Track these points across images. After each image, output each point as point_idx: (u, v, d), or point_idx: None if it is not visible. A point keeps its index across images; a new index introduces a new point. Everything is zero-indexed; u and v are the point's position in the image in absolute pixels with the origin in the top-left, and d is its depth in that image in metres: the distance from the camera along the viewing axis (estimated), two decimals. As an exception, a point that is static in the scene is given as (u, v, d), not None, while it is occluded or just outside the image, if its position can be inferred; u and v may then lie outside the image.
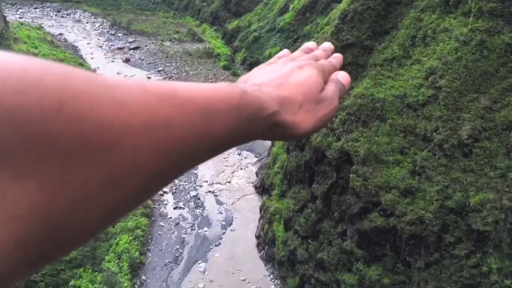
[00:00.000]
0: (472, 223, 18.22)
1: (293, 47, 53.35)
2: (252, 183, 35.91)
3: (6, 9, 77.22)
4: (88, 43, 64.98)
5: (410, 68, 22.51)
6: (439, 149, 19.77)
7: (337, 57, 1.05)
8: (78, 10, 76.74)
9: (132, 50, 62.43)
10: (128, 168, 0.47)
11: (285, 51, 1.07)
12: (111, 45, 64.42)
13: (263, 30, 58.22)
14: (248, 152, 40.00)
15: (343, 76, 0.96)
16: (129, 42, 64.82)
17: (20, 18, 74.05)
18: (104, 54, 61.10)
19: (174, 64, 57.67)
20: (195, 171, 37.31)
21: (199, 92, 0.58)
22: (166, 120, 0.51)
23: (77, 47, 63.87)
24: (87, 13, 75.90)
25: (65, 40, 65.99)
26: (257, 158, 38.99)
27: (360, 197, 21.69)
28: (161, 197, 34.56)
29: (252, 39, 57.65)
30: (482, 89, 19.53)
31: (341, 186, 23.49)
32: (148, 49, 62.51)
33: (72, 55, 55.00)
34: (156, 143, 0.49)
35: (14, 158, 0.39)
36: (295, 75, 0.86)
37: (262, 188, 34.13)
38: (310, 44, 1.11)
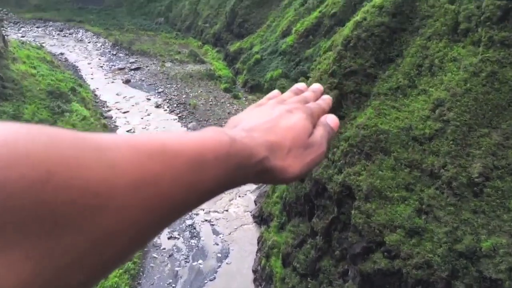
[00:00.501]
0: (484, 270, 16.74)
1: (295, 70, 52.41)
2: (251, 212, 34.50)
3: (8, 28, 77.39)
4: (89, 63, 64.51)
5: (416, 98, 21.33)
6: (448, 187, 18.42)
7: (326, 99, 1.07)
8: (81, 30, 76.64)
9: (132, 71, 61.83)
10: (114, 229, 0.47)
11: (275, 92, 1.10)
12: (112, 65, 63.89)
13: (265, 52, 57.55)
14: (247, 179, 38.66)
15: (332, 120, 0.98)
16: (130, 63, 64.29)
17: (22, 37, 73.95)
18: (105, 75, 60.49)
19: (174, 86, 56.88)
20: (191, 198, 35.93)
21: (188, 144, 0.59)
22: (155, 177, 0.51)
23: (77, 67, 63.36)
24: (89, 32, 75.75)
25: (66, 59, 65.57)
26: (256, 186, 37.67)
27: (362, 236, 20.26)
28: (155, 225, 33.10)
29: (254, 62, 56.93)
30: (494, 123, 18.27)
31: (342, 222, 22.08)
32: (149, 70, 61.88)
33: (71, 76, 54.33)
34: (143, 201, 0.50)
35: (1, 231, 0.39)
36: (284, 119, 0.88)
37: (261, 218, 32.71)
38: (300, 85, 1.14)
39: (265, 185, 37.10)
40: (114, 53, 68.01)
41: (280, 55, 55.28)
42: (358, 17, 25.79)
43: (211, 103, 53.00)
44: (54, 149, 0.43)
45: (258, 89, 54.06)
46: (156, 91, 55.80)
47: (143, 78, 59.38)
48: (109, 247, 0.47)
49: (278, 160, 0.78)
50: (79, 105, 46.79)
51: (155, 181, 0.51)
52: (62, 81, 50.39)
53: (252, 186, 37.81)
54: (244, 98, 54.00)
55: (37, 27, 78.09)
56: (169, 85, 57.12)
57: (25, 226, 0.40)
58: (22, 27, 77.95)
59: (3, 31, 76.00)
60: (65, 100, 46.16)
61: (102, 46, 70.51)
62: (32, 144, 0.42)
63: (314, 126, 0.93)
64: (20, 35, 74.59)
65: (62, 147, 0.44)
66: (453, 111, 19.27)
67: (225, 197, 36.15)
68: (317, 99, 1.07)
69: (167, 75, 59.73)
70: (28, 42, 68.46)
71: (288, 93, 1.10)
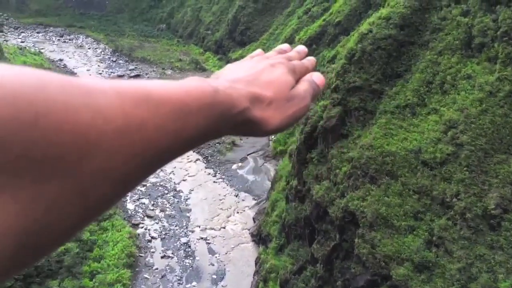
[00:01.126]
0: (502, 313, 15.06)
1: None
2: (249, 229, 32.85)
3: (8, 33, 76.41)
4: (88, 70, 63.26)
5: (426, 118, 19.74)
6: (461, 218, 16.77)
7: (310, 60, 1.08)
8: (81, 36, 75.53)
9: (132, 78, 60.24)
10: (101, 174, 0.48)
11: (259, 50, 1.11)
12: (111, 72, 62.62)
13: (268, 61, 56.13)
14: (246, 194, 37.07)
15: (317, 77, 0.99)
16: (130, 70, 63.04)
17: (22, 42, 72.93)
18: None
19: (174, 94, 55.46)
20: (187, 214, 34.40)
21: (173, 92, 0.60)
22: (140, 124, 0.53)
23: (76, 73, 62.04)
24: (89, 38, 74.63)
25: (65, 66, 64.34)
26: (256, 201, 36.05)
27: (367, 267, 18.61)
28: (149, 243, 31.59)
29: (255, 70, 55.49)
30: (512, 149, 16.64)
31: (345, 250, 20.44)
32: (148, 77, 60.49)
33: (68, 83, 53.12)
34: (129, 147, 0.51)
35: None
36: (266, 72, 0.90)
37: (259, 237, 31.08)
38: (284, 46, 1.15)
39: (265, 201, 35.49)
40: (114, 59, 66.78)
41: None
42: (363, 28, 24.27)
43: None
44: (42, 92, 0.43)
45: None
46: (155, 99, 54.36)
47: (142, 86, 58.00)
48: (94, 191, 0.48)
49: (259, 111, 0.79)
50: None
51: (140, 127, 0.52)
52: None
53: (251, 202, 36.20)
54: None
55: (37, 33, 77.06)
56: (169, 94, 55.68)
57: (13, 168, 0.41)
58: (22, 32, 76.94)
59: (2, 37, 75.14)
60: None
61: (102, 53, 69.33)
62: (21, 85, 0.42)
63: (297, 81, 0.94)
64: (20, 40, 73.57)
65: (52, 91, 0.44)
66: (467, 134, 17.65)
67: (222, 213, 34.56)
68: (301, 59, 1.07)
69: (167, 83, 58.33)
70: (27, 48, 67.39)
71: (272, 52, 1.10)
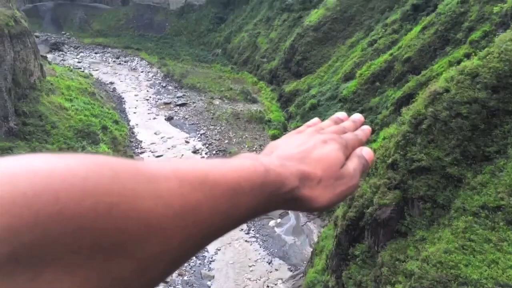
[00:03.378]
0: None
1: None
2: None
3: (68, 53, 76.90)
4: (135, 95, 61.00)
5: (530, 235, 13.01)
6: None
7: (365, 130, 1.08)
8: (136, 58, 74.24)
9: (178, 107, 57.17)
10: (158, 254, 0.54)
11: (315, 119, 1.12)
12: (159, 98, 59.83)
13: (323, 97, 50.24)
14: (281, 262, 31.11)
15: (367, 152, 0.98)
16: (178, 97, 59.84)
17: (79, 62, 72.92)
18: (149, 109, 56.36)
19: (218, 128, 51.13)
20: (208, 283, 29.10)
21: (227, 174, 0.64)
22: (196, 206, 0.58)
23: (123, 98, 60.00)
24: (144, 61, 73.09)
25: (114, 89, 62.66)
26: (291, 273, 30.00)
27: None
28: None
29: (309, 106, 49.79)
30: None
31: None
32: (195, 106, 56.88)
33: (110, 110, 50.45)
34: (185, 229, 0.57)
35: (69, 256, 0.46)
36: (318, 149, 0.90)
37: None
38: (341, 114, 1.15)
39: (301, 276, 29.47)
40: (164, 85, 64.17)
41: (340, 101, 47.50)
42: (437, 85, 17.88)
43: (254, 151, 46.49)
44: (117, 183, 0.50)
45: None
46: (198, 132, 50.34)
47: (187, 116, 54.35)
48: (151, 270, 0.54)
49: (308, 189, 0.81)
50: (107, 147, 42.25)
51: (196, 210, 0.58)
52: (97, 116, 46.47)
53: (286, 273, 30.19)
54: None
55: (95, 53, 76.99)
56: (213, 126, 51.45)
57: (89, 252, 0.47)
58: (81, 52, 77.26)
59: (61, 56, 75.71)
60: (92, 140, 41.82)
61: (154, 77, 67.12)
62: (100, 178, 0.49)
63: (347, 157, 0.94)
64: (77, 60, 73.70)
65: (123, 181, 0.51)
66: None
67: (250, 285, 28.84)
68: (356, 129, 1.08)
69: (213, 114, 54.23)
70: (77, 69, 66.83)
71: (328, 121, 1.11)
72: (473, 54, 18.01)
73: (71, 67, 67.38)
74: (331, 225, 28.43)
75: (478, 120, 15.96)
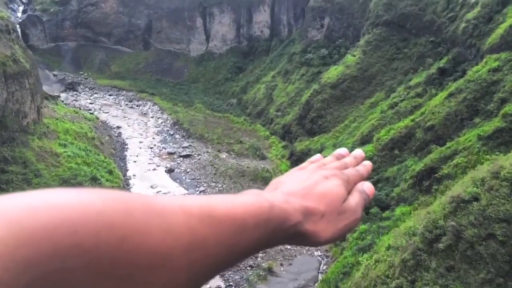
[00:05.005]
0: None
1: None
2: None
3: (82, 93, 75.72)
4: (140, 142, 58.12)
5: None
6: None
7: (366, 165, 1.13)
8: (149, 103, 72.23)
9: (181, 158, 53.74)
10: (166, 285, 0.57)
11: (318, 155, 1.16)
12: (163, 147, 56.71)
13: (336, 160, 46.01)
14: None
15: (368, 187, 1.04)
16: (183, 147, 56.58)
17: (91, 103, 71.37)
18: (150, 158, 53.09)
19: (220, 185, 47.16)
20: None
21: (233, 209, 0.69)
22: (203, 240, 0.62)
23: (126, 144, 57.16)
24: (156, 106, 70.93)
25: (119, 134, 60.06)
26: None
27: None
28: None
29: (320, 169, 45.46)
30: None
31: None
32: (199, 159, 53.31)
33: (105, 159, 47.16)
34: (192, 262, 0.60)
35: (83, 285, 0.49)
36: (320, 185, 0.94)
37: None
38: (342, 150, 1.19)
39: None
40: (172, 133, 61.28)
41: (353, 167, 42.84)
42: (463, 189, 13.43)
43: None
44: (128, 217, 0.54)
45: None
46: (197, 189, 46.40)
47: (188, 170, 50.68)
48: None
49: (311, 224, 0.84)
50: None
51: (203, 244, 0.61)
52: (90, 165, 43.25)
53: None
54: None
55: (110, 95, 75.49)
56: (214, 183, 47.50)
57: (102, 282, 0.51)
58: (95, 93, 75.96)
59: (75, 96, 74.48)
60: (77, 192, 38.31)
61: (163, 124, 64.49)
62: (114, 212, 0.53)
63: (349, 192, 0.97)
64: (89, 101, 72.19)
65: (135, 215, 0.55)
66: None
67: None
68: (357, 164, 1.11)
69: (217, 169, 50.41)
70: (87, 110, 65.00)
71: (330, 157, 1.14)
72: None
73: (79, 108, 65.68)
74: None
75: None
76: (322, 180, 0.94)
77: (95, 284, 0.51)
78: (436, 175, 33.51)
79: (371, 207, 35.77)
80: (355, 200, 0.96)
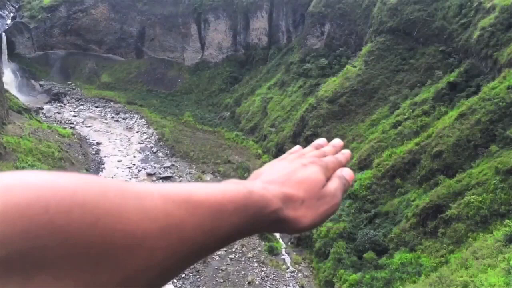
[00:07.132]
0: None
1: (361, 232, 33.74)
2: None
3: (67, 105, 71.18)
4: (119, 161, 53.13)
5: None
6: None
7: (345, 153, 1.13)
8: (136, 115, 67.37)
9: (161, 180, 48.54)
10: (142, 268, 0.57)
11: (297, 147, 1.17)
12: (143, 167, 51.61)
13: (330, 187, 40.35)
14: None
15: (347, 172, 1.03)
16: (164, 168, 51.42)
17: (74, 116, 66.83)
18: (126, 180, 47.88)
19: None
20: None
21: (211, 194, 0.69)
22: (180, 223, 0.62)
23: (103, 164, 52.22)
24: (143, 119, 66.03)
25: (97, 152, 55.13)
26: None
27: None
28: None
29: (311, 198, 39.76)
30: None
31: None
32: (180, 181, 47.85)
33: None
34: (169, 244, 0.60)
35: (58, 264, 0.50)
36: (299, 172, 0.95)
37: None
38: (321, 140, 1.20)
39: None
40: (155, 150, 56.16)
41: (349, 198, 36.75)
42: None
43: (233, 256, 36.51)
44: (103, 198, 0.55)
45: (307, 245, 36.32)
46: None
47: (166, 194, 45.40)
48: (136, 282, 0.57)
49: (291, 211, 0.84)
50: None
51: (179, 227, 0.61)
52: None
53: None
54: (284, 256, 36.59)
55: (96, 107, 70.83)
56: (192, 212, 42.16)
57: (76, 261, 0.51)
58: (81, 104, 71.42)
59: (59, 107, 69.86)
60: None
61: (147, 140, 59.44)
62: (88, 192, 0.54)
63: (328, 178, 0.98)
64: (73, 113, 67.64)
65: (110, 196, 0.56)
66: None
67: None
68: (336, 153, 1.12)
69: (198, 194, 45.02)
70: (64, 123, 60.41)
71: (309, 147, 1.15)
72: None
73: (60, 121, 61.05)
74: None
75: None
76: (300, 168, 0.95)
77: (70, 264, 0.51)
78: (443, 215, 27.68)
79: (366, 251, 29.95)
80: (334, 185, 0.96)
